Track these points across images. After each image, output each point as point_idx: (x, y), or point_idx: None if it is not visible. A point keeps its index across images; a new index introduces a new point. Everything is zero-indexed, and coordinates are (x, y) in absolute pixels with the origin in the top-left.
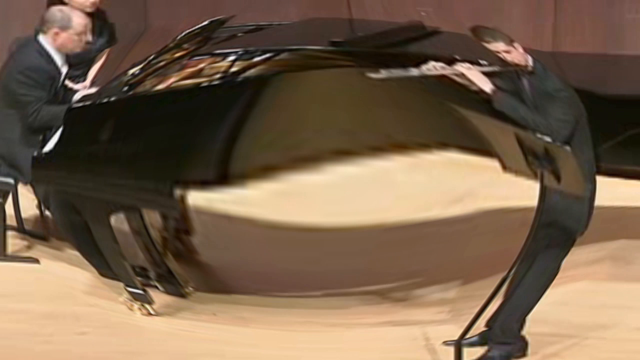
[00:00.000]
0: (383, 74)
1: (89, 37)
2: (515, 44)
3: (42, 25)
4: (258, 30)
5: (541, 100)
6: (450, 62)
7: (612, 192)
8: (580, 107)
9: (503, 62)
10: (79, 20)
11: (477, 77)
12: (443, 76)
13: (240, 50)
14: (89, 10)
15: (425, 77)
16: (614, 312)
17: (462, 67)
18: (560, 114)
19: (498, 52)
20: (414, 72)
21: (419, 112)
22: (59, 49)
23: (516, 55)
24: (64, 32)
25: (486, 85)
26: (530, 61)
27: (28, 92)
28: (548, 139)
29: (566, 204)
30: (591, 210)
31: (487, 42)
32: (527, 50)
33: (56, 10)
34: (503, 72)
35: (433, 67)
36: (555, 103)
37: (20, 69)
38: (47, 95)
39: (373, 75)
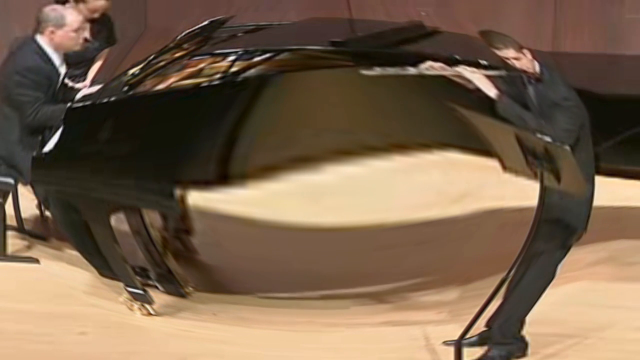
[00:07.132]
0: (377, 71)
1: (88, 36)
2: (525, 51)
3: (37, 26)
4: (258, 30)
5: (547, 108)
6: (453, 63)
7: (612, 192)
8: (584, 113)
9: (510, 68)
10: (73, 17)
11: (481, 81)
12: (444, 76)
13: (240, 50)
14: (96, 16)
15: (423, 77)
16: (614, 312)
17: (466, 70)
18: (565, 123)
19: (507, 58)
20: (410, 70)
21: (419, 112)
22: (56, 48)
23: (525, 62)
24: (60, 30)
25: (490, 90)
26: (537, 68)
27: (26, 92)
28: (548, 139)
29: (566, 203)
30: (590, 211)
31: (498, 48)
32: (535, 56)
33: (49, 10)
34: (508, 77)
35: (431, 67)
36: (561, 112)
37: (18, 70)
38: (44, 95)
39: (366, 72)
